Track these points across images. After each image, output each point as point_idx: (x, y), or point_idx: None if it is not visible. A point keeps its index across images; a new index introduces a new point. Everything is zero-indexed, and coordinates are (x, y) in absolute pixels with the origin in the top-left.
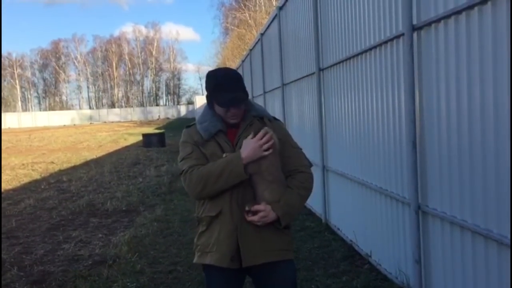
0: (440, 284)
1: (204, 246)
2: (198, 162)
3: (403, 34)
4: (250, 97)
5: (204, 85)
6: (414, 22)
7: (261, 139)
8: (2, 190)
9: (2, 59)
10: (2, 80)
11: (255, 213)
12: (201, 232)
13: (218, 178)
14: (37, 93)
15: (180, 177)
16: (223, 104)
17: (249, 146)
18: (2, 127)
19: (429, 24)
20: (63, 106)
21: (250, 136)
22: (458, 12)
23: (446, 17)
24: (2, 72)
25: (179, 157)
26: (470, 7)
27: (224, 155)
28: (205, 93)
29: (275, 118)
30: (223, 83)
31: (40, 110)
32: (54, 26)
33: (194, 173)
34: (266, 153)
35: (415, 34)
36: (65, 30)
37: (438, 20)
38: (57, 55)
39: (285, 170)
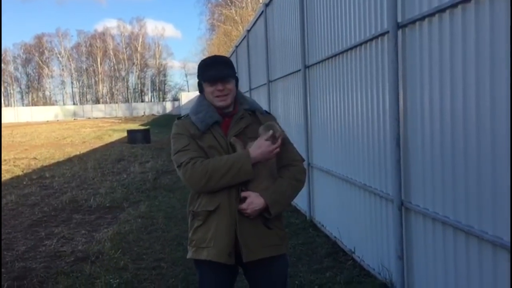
0: (422, 280)
1: (200, 241)
2: (198, 154)
3: (388, 32)
4: None
5: (189, 82)
6: (399, 20)
7: (273, 142)
8: None
9: None
10: None
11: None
12: (197, 227)
13: (225, 174)
14: (20, 88)
15: (178, 169)
16: (210, 78)
17: (261, 148)
18: None
19: (413, 22)
20: (47, 101)
21: (263, 136)
22: (442, 10)
23: (430, 15)
24: None
25: (174, 149)
26: (453, 5)
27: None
28: (191, 90)
29: (267, 112)
30: (211, 63)
31: (23, 106)
32: (36, 20)
33: (197, 165)
34: (272, 155)
35: (399, 32)
36: (47, 25)
37: (422, 18)
38: (41, 50)
39: (279, 164)
